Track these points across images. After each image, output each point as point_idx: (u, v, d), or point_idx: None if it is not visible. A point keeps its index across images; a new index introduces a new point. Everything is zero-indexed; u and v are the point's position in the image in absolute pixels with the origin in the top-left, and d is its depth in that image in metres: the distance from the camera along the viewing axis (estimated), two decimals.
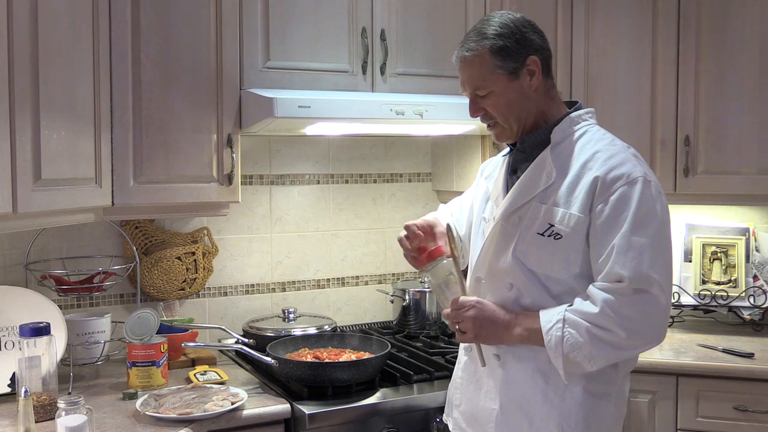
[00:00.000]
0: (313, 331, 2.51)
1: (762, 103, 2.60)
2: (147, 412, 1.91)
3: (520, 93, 1.69)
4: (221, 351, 2.55)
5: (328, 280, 2.93)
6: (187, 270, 2.62)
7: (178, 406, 1.95)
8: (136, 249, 2.50)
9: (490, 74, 1.67)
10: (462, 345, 1.86)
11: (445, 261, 1.73)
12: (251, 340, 2.43)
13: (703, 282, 2.85)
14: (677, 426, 2.38)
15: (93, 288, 2.35)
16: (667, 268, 1.59)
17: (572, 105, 1.77)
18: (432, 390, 2.16)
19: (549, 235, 1.63)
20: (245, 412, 1.98)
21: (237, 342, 2.41)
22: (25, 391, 1.70)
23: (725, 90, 2.64)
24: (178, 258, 2.60)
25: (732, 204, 2.85)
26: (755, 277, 2.81)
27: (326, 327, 2.56)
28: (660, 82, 2.70)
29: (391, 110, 2.26)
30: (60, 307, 2.23)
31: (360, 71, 2.45)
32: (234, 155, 2.27)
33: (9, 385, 2.05)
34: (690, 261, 2.88)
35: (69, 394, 2.04)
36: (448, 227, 1.74)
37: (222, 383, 2.20)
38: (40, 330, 1.89)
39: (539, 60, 1.68)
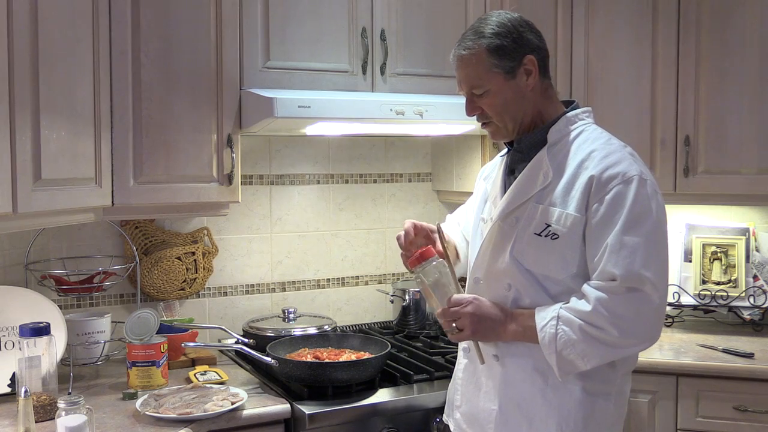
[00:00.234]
0: (313, 331, 2.51)
1: (762, 103, 2.60)
2: (147, 412, 1.91)
3: (517, 92, 1.69)
4: (221, 351, 2.55)
5: (328, 280, 2.93)
6: (187, 270, 2.62)
7: (178, 406, 1.95)
8: (136, 249, 2.50)
9: (487, 73, 1.68)
10: (460, 346, 1.86)
11: (435, 262, 1.73)
12: (251, 340, 2.43)
13: (703, 282, 2.85)
14: (677, 426, 2.38)
15: (93, 288, 2.35)
16: (662, 267, 1.58)
17: (570, 104, 1.77)
18: (432, 390, 2.16)
19: (546, 235, 1.63)
20: (245, 412, 1.98)
21: (237, 342, 2.41)
22: (25, 391, 1.70)
23: (725, 90, 2.64)
24: (178, 258, 2.60)
25: (732, 204, 2.85)
26: (755, 277, 2.81)
27: (326, 327, 2.56)
28: (660, 82, 2.70)
29: (391, 110, 2.26)
30: (60, 307, 2.23)
31: (360, 71, 2.45)
32: (234, 155, 2.28)
33: (9, 385, 2.05)
34: (690, 261, 2.89)
35: (69, 394, 2.04)
36: (439, 227, 1.75)
37: (222, 383, 2.20)
38: (40, 330, 1.89)
39: (536, 60, 1.69)
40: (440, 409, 2.01)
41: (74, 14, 1.95)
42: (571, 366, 1.59)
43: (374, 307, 3.00)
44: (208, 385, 2.13)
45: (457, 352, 1.92)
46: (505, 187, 1.76)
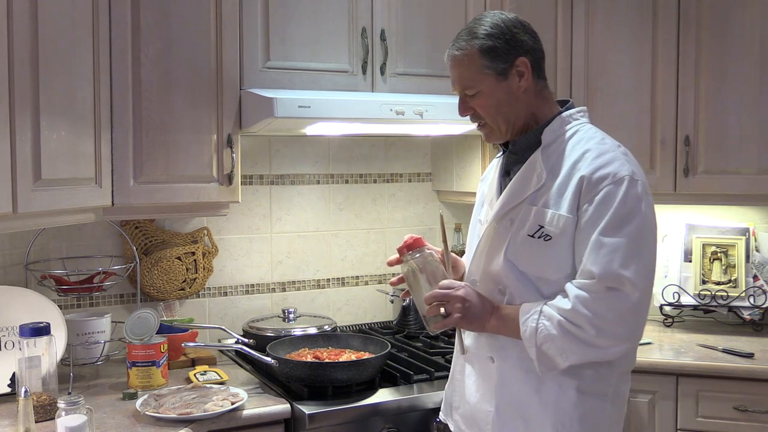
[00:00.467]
0: (313, 331, 2.51)
1: (762, 103, 2.60)
2: (147, 412, 1.91)
3: (509, 94, 1.69)
4: (221, 351, 2.55)
5: (328, 280, 2.93)
6: (187, 270, 2.62)
7: (178, 406, 1.95)
8: (136, 249, 2.50)
9: (479, 74, 1.67)
10: (456, 350, 1.85)
11: (426, 252, 1.73)
12: (251, 340, 2.43)
13: (703, 282, 2.85)
14: (677, 426, 2.38)
15: (93, 288, 2.35)
16: (645, 268, 1.57)
17: (565, 104, 1.76)
18: (432, 390, 2.16)
19: (539, 237, 1.63)
20: (245, 412, 1.98)
21: (237, 342, 2.41)
22: (25, 391, 1.70)
23: (725, 90, 2.64)
24: (178, 258, 2.60)
25: (732, 204, 2.84)
26: (755, 277, 2.81)
27: (326, 327, 2.56)
28: (660, 81, 2.70)
29: (391, 110, 2.26)
30: (60, 307, 2.23)
31: (360, 71, 2.45)
32: (234, 155, 2.28)
33: (9, 385, 2.05)
34: (690, 261, 2.88)
35: (69, 394, 2.04)
36: (441, 216, 1.79)
37: (222, 383, 2.20)
38: (40, 330, 1.89)
39: (529, 61, 1.68)
40: (440, 409, 2.01)
41: (74, 14, 1.95)
42: (551, 362, 1.59)
43: (374, 307, 3.00)
44: (208, 385, 2.13)
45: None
46: (501, 189, 1.76)
